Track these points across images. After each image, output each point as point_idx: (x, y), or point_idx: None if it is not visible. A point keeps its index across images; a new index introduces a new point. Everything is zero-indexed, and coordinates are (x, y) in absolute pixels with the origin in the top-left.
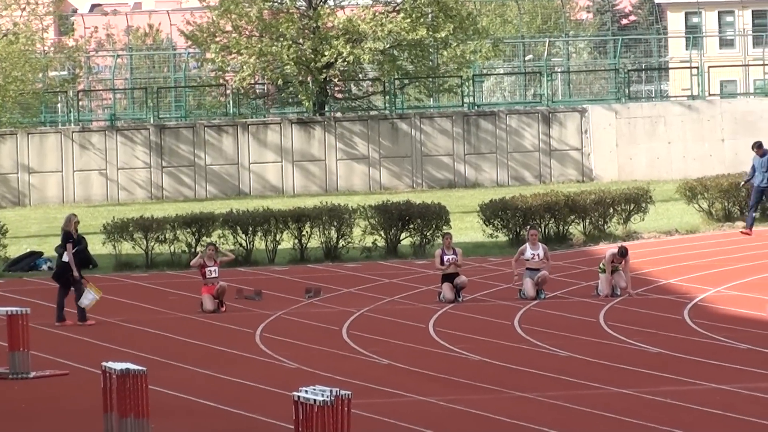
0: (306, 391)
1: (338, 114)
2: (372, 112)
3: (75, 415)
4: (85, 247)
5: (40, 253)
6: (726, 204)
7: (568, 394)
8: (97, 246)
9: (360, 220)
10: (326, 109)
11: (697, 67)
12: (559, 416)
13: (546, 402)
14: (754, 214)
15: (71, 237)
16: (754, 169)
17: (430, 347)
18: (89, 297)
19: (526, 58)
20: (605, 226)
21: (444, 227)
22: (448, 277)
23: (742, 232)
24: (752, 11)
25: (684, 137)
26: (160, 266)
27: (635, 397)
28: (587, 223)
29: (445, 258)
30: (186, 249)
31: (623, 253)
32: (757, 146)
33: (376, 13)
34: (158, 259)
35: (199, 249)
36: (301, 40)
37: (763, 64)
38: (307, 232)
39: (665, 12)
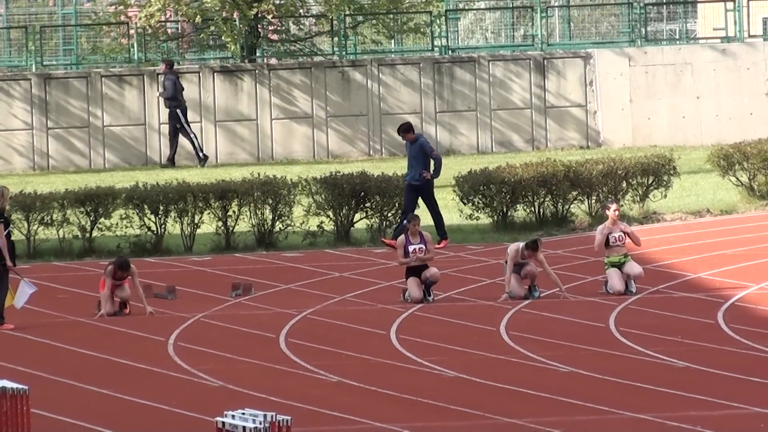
0: (233, 416)
1: (273, 61)
2: (316, 59)
3: None
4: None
5: None
6: None
7: (569, 421)
8: None
9: (302, 196)
10: (258, 54)
11: (734, 0)
12: None
13: (541, 431)
14: (405, 222)
15: (2, 215)
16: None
17: (392, 360)
18: (27, 292)
19: None
20: None
21: None
22: (415, 271)
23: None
24: None
25: (717, 90)
26: (45, 255)
27: (655, 424)
28: (593, 201)
29: (410, 248)
30: (79, 234)
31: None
32: (404, 130)
33: None
34: (43, 247)
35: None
36: None
37: None
38: (233, 212)
39: None
